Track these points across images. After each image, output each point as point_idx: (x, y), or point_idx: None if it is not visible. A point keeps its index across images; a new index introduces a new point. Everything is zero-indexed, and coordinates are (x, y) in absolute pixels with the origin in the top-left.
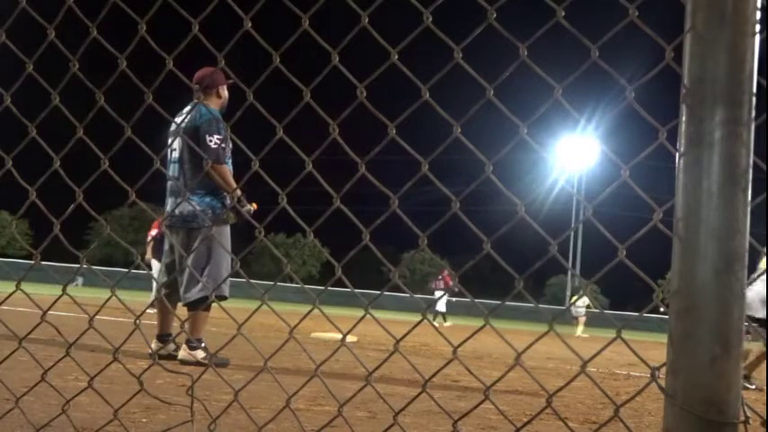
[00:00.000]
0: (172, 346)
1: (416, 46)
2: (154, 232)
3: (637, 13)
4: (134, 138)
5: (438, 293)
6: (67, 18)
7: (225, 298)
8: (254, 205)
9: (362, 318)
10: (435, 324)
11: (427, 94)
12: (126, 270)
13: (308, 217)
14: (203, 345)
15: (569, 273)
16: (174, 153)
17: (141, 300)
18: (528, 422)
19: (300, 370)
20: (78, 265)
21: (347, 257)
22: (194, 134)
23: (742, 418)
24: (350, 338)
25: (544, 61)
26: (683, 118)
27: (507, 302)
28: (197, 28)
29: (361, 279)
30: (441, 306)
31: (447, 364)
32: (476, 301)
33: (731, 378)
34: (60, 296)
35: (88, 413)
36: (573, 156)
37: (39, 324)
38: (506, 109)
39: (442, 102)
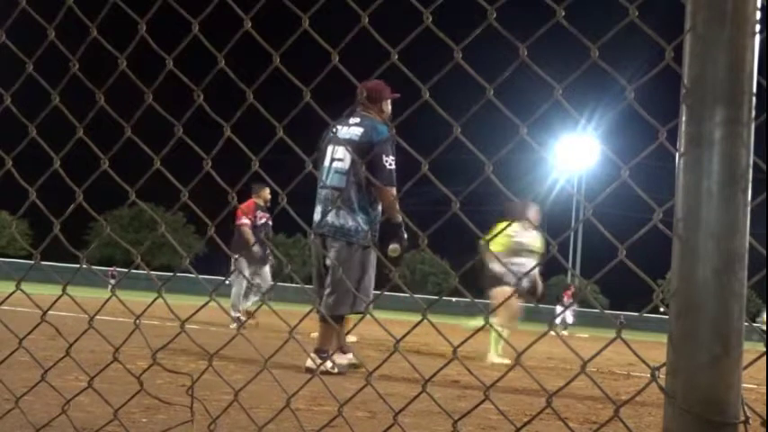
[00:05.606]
0: (329, 364)
1: (416, 46)
2: (245, 220)
3: (637, 13)
4: (134, 138)
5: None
6: (67, 18)
7: (361, 313)
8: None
9: (362, 318)
10: (564, 333)
11: (427, 94)
12: (126, 270)
13: (309, 217)
14: (349, 352)
15: (569, 273)
16: (337, 162)
17: (141, 300)
18: (528, 422)
19: (300, 370)
20: (111, 268)
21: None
22: (368, 150)
23: (742, 418)
24: (350, 338)
25: (544, 61)
26: (683, 118)
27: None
28: (197, 28)
29: None
30: (569, 318)
31: (447, 364)
32: (476, 301)
33: (731, 378)
34: (60, 296)
35: (88, 413)
36: (573, 156)
37: (39, 324)
38: (506, 109)
39: (442, 102)
